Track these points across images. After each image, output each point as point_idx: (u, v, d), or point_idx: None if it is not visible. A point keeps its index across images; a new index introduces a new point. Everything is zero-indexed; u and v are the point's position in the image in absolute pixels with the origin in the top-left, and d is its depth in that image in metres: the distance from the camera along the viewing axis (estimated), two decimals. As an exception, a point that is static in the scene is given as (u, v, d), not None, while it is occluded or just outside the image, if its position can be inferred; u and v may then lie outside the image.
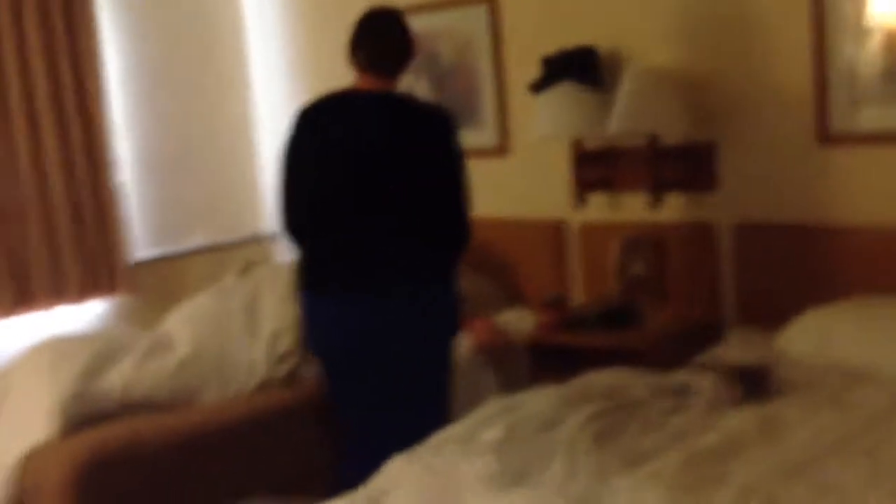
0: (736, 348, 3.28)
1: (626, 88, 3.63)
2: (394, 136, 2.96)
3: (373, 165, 2.95)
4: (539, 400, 2.85)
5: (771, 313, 3.47)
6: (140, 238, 4.67)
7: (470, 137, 4.48)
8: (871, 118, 3.34)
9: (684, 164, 3.79)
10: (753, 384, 2.89)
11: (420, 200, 2.97)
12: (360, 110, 3.00)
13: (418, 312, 3.03)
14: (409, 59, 3.08)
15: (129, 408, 3.25)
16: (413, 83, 4.67)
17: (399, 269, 2.98)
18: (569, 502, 2.20)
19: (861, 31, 3.30)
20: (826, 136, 3.43)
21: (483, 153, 4.44)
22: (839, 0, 3.32)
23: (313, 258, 3.06)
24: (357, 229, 2.97)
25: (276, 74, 5.13)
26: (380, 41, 3.02)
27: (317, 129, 3.01)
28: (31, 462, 3.07)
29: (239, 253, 4.68)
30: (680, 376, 2.98)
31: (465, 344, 3.78)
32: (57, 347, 3.37)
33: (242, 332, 3.52)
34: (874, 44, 3.28)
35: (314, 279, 3.05)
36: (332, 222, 3.00)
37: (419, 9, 4.34)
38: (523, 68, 4.13)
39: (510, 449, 2.54)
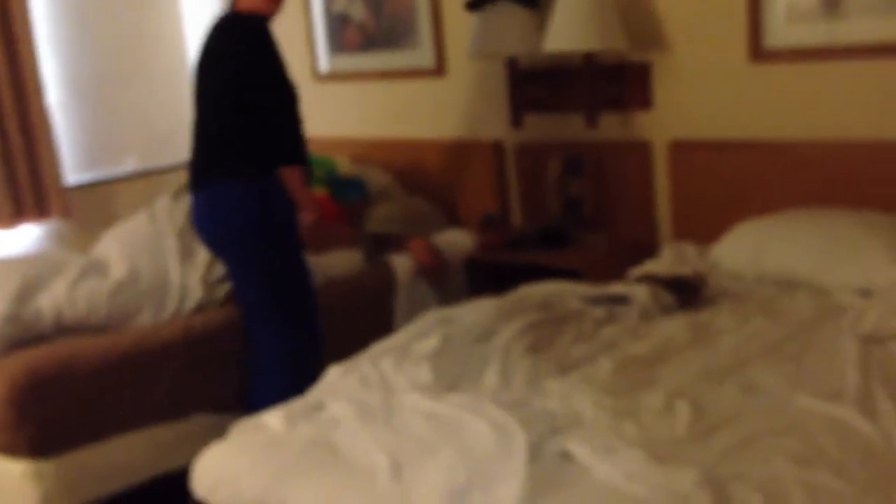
0: (669, 261, 3.33)
1: (560, 6, 3.61)
2: (218, 48, 3.19)
3: (205, 77, 3.22)
4: (475, 312, 2.89)
5: (705, 229, 3.54)
6: (72, 162, 4.58)
7: (407, 58, 4.47)
8: (802, 35, 3.37)
9: (620, 84, 3.80)
10: (686, 294, 2.95)
11: (237, 105, 3.12)
12: (212, 30, 3.27)
13: (229, 207, 3.17)
14: None
15: (63, 330, 3.21)
16: (348, 5, 4.61)
17: (213, 166, 3.18)
18: (501, 407, 2.24)
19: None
20: (759, 53, 3.46)
21: (420, 73, 4.41)
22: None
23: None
24: (199, 133, 3.25)
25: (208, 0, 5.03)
26: None
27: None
28: (-34, 384, 3.04)
29: (173, 177, 4.61)
30: (614, 288, 3.03)
31: (403, 263, 3.81)
32: (-13, 270, 3.31)
33: (177, 257, 3.48)
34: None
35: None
36: (193, 129, 3.28)
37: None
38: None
39: (445, 358, 2.57)
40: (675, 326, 2.75)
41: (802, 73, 3.40)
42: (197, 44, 3.27)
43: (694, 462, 1.93)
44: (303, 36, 4.81)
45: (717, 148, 3.58)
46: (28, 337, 3.17)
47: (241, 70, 3.10)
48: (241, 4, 3.19)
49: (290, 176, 3.17)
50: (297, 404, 2.45)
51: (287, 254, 3.23)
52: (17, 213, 4.24)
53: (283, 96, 3.16)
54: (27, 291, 3.21)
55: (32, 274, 3.27)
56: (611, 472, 1.92)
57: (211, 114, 3.20)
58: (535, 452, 2.01)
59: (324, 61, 4.79)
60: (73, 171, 4.57)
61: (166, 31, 5.00)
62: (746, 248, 3.22)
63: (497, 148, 4.19)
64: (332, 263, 3.72)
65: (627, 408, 2.21)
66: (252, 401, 3.12)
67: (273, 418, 2.39)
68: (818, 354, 2.48)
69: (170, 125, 4.90)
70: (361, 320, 3.61)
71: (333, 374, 2.59)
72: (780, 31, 3.41)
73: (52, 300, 3.21)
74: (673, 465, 1.92)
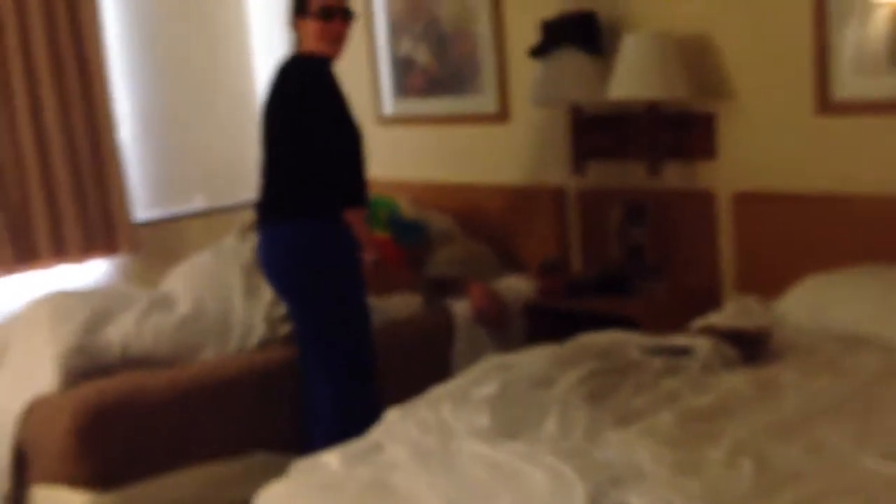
0: (733, 314, 3.29)
1: (625, 54, 3.63)
2: (282, 91, 3.25)
3: (270, 120, 3.28)
4: (534, 359, 2.88)
5: (769, 281, 3.49)
6: (141, 199, 4.68)
7: (470, 104, 4.51)
8: (869, 87, 3.33)
9: (683, 132, 3.79)
10: (750, 348, 2.91)
11: (300, 146, 3.18)
12: (276, 73, 3.33)
13: (291, 246, 3.22)
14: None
15: (129, 363, 3.28)
16: (413, 49, 4.67)
17: (278, 207, 3.25)
18: (560, 457, 2.22)
19: (864, 1, 3.29)
20: (826, 105, 3.43)
21: (483, 119, 4.45)
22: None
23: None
24: (266, 174, 3.30)
25: (277, 40, 5.12)
26: None
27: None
28: (34, 413, 3.11)
29: (239, 216, 4.69)
30: (676, 339, 3.00)
31: (462, 308, 3.82)
32: (58, 302, 3.39)
33: (241, 294, 3.54)
34: (878, 13, 3.27)
35: None
36: (261, 170, 3.34)
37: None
38: (523, 33, 4.12)
39: (504, 405, 2.56)
40: (738, 380, 2.71)
41: (870, 125, 3.36)
42: (266, 84, 3.35)
43: (756, 520, 1.90)
44: (368, 79, 4.88)
45: (783, 200, 3.55)
46: (95, 368, 3.23)
47: (303, 112, 3.15)
48: (304, 47, 3.28)
49: (355, 218, 3.21)
50: (355, 446, 2.46)
51: (347, 296, 3.25)
52: (87, 248, 4.34)
53: (345, 137, 3.20)
54: (96, 324, 3.29)
55: (102, 307, 3.35)
56: (671, 528, 1.90)
57: (276, 155, 3.26)
58: (593, 504, 2.00)
59: (388, 104, 4.86)
60: (142, 207, 4.68)
61: (236, 70, 5.12)
62: (812, 303, 3.18)
63: (558, 194, 4.20)
64: (392, 306, 3.74)
65: (689, 462, 2.18)
66: (308, 442, 3.14)
67: (331, 459, 2.40)
68: (885, 413, 2.43)
69: (238, 164, 5.00)
70: (419, 364, 3.63)
71: (392, 417, 2.60)
72: (848, 82, 3.38)
73: (120, 333, 3.28)
74: (734, 522, 1.89)
